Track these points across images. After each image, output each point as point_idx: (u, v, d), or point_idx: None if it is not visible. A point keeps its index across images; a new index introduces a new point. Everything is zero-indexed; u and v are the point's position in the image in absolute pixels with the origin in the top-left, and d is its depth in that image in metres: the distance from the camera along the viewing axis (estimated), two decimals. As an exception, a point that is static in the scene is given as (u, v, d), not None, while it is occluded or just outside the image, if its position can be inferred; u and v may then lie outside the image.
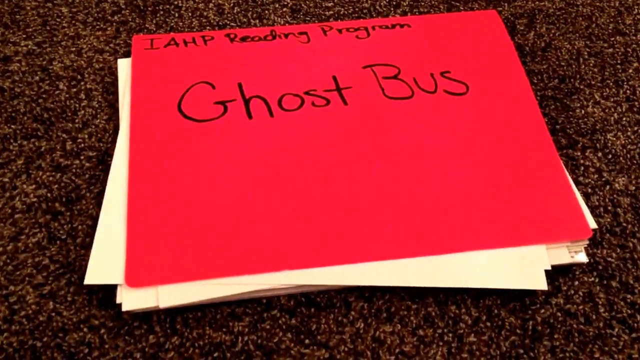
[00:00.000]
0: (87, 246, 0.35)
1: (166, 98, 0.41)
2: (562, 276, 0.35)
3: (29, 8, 0.48)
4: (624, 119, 0.43)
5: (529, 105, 0.42)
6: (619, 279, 0.36)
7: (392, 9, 0.49)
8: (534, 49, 0.47)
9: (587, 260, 0.36)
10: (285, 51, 0.44)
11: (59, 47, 0.46)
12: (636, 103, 0.44)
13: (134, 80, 0.42)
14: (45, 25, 0.47)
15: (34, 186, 0.38)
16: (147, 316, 0.33)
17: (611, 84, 0.45)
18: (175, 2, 0.49)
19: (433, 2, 0.50)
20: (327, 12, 0.49)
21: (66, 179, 0.39)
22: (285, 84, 0.42)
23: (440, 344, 0.33)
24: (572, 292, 0.35)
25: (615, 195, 0.39)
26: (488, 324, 0.34)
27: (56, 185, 0.38)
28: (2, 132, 0.41)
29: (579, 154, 0.41)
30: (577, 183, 0.39)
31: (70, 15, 0.48)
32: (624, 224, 0.38)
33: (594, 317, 0.34)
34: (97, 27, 0.47)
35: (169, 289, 0.33)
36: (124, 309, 0.32)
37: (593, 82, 0.45)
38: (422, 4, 0.50)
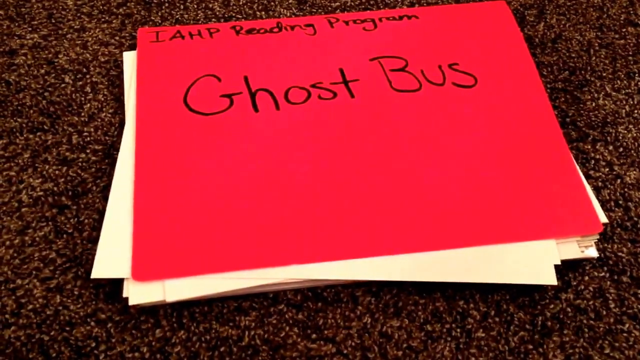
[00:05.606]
0: (94, 240, 0.35)
1: (172, 91, 0.41)
2: (572, 271, 0.35)
3: (34, 1, 0.48)
4: (636, 111, 0.43)
5: (539, 97, 0.41)
6: (629, 274, 0.35)
7: (399, 0, 0.49)
8: (544, 41, 0.47)
9: (598, 255, 0.35)
10: (291, 43, 0.44)
11: (65, 40, 0.46)
12: (648, 95, 0.44)
13: (140, 73, 0.42)
14: (51, 18, 0.47)
15: (40, 180, 0.38)
16: (153, 310, 0.33)
17: (622, 75, 0.45)
18: (181, -6, 0.49)
19: (441, -7, 0.49)
20: (333, 4, 0.48)
21: (72, 173, 0.38)
22: (291, 76, 0.42)
23: (448, 339, 0.33)
24: (582, 287, 0.35)
25: (626, 189, 0.39)
26: (497, 319, 0.33)
27: (62, 179, 0.38)
28: (8, 125, 0.41)
29: (589, 147, 0.41)
30: (587, 177, 0.39)
31: (76, 8, 0.48)
32: (635, 219, 0.37)
33: (604, 312, 0.34)
34: (103, 19, 0.47)
35: (175, 283, 0.32)
36: (130, 303, 0.32)
37: (604, 74, 0.45)
38: (430, -5, 0.49)
